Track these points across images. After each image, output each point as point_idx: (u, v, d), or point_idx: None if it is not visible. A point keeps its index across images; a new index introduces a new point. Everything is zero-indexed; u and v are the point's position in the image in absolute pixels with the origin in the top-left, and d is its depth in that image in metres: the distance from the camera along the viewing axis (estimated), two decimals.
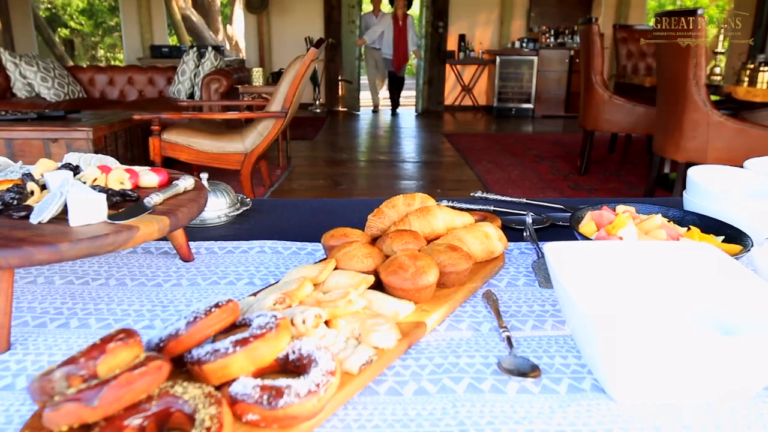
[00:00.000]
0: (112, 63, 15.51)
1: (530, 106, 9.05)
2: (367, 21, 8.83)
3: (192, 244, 0.98)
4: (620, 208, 0.98)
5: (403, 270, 0.70)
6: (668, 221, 0.93)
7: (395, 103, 9.45)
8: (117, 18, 12.33)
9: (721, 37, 4.88)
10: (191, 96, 5.31)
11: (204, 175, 1.12)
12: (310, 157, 5.52)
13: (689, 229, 0.92)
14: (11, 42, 8.25)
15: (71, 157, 0.88)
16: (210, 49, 5.27)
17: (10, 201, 0.72)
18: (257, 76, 4.96)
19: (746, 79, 4.18)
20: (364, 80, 9.41)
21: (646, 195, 4.10)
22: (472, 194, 1.27)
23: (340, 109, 9.41)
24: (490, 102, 9.36)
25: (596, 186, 4.52)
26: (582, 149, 4.95)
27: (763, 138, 3.41)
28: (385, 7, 8.79)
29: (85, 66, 5.73)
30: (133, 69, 5.73)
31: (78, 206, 0.68)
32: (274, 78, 6.09)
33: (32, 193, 0.75)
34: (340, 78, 9.25)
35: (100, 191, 0.77)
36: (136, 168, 0.88)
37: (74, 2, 14.91)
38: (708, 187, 1.01)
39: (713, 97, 3.61)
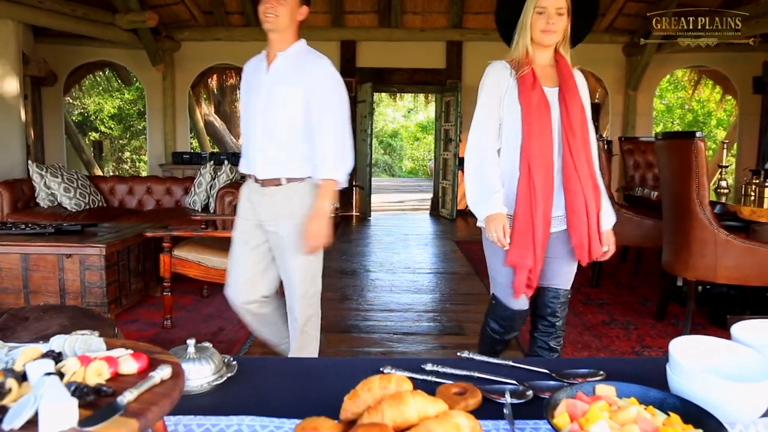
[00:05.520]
0: (137, 164, 16.12)
1: None
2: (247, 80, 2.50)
3: (172, 419, 1.00)
4: (600, 390, 0.98)
5: None
6: (646, 407, 0.92)
7: None
8: (144, 122, 12.93)
9: (725, 153, 4.98)
10: (206, 206, 5.46)
11: (191, 341, 1.15)
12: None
13: (669, 416, 0.91)
14: (42, 150, 8.64)
15: (56, 342, 0.92)
16: (226, 162, 5.48)
17: None
18: None
19: (753, 194, 4.22)
20: (373, 183, 9.48)
21: (658, 312, 4.04)
22: (458, 354, 1.27)
23: (354, 213, 9.58)
24: None
25: (608, 300, 4.48)
26: (593, 261, 4.94)
27: None
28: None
29: (107, 176, 5.96)
30: (152, 179, 5.95)
31: (49, 415, 0.71)
32: None
33: (10, 389, 0.78)
34: (354, 184, 9.49)
35: (75, 389, 0.79)
36: (117, 353, 0.91)
37: (106, 108, 15.72)
38: (688, 365, 1.00)
39: None
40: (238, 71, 11.55)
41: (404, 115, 22.54)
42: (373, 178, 9.64)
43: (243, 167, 2.48)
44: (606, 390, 0.97)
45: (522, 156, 2.09)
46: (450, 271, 5.59)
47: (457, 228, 8.52)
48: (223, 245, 3.74)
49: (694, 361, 1.06)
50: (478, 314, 4.09)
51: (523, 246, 2.07)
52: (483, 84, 2.20)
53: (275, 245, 2.41)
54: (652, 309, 4.22)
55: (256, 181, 2.39)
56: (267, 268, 2.48)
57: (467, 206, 9.45)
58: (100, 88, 15.16)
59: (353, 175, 9.36)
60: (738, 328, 1.18)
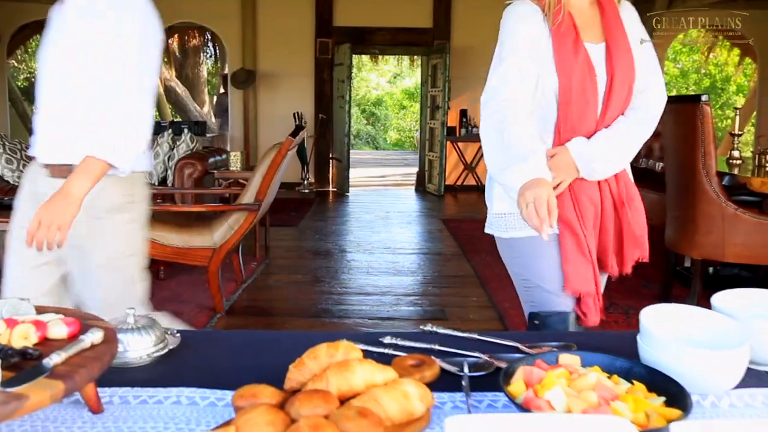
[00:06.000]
0: None
1: None
2: None
3: (107, 390, 1.03)
4: (563, 358, 1.02)
5: None
6: (609, 376, 0.97)
7: None
8: None
9: (737, 120, 5.04)
10: (164, 179, 5.46)
11: (130, 311, 1.18)
12: (292, 248, 5.61)
13: (633, 384, 0.96)
14: None
15: None
16: (186, 131, 5.47)
17: None
18: (235, 160, 5.14)
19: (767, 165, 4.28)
20: (354, 157, 9.54)
21: (662, 294, 4.12)
22: (421, 328, 1.32)
23: (331, 189, 9.61)
24: None
25: (607, 282, 4.54)
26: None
27: None
28: None
29: None
30: None
31: None
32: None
33: None
34: (330, 156, 9.51)
35: None
36: (47, 317, 0.95)
37: None
38: (657, 333, 1.05)
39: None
40: (203, 31, 11.45)
41: (389, 80, 22.47)
42: (354, 151, 9.70)
43: (32, 147, 1.95)
44: (569, 359, 1.02)
45: (559, 143, 1.67)
46: (435, 252, 5.66)
47: (444, 205, 8.58)
48: (181, 221, 3.77)
49: (666, 330, 1.11)
50: (463, 298, 4.17)
51: (581, 264, 1.67)
52: (504, 31, 1.70)
53: (73, 259, 1.91)
54: (655, 292, 4.29)
55: (46, 167, 1.86)
56: (55, 286, 1.96)
57: (456, 181, 9.58)
58: None
59: (331, 145, 9.38)
60: (718, 298, 1.23)
